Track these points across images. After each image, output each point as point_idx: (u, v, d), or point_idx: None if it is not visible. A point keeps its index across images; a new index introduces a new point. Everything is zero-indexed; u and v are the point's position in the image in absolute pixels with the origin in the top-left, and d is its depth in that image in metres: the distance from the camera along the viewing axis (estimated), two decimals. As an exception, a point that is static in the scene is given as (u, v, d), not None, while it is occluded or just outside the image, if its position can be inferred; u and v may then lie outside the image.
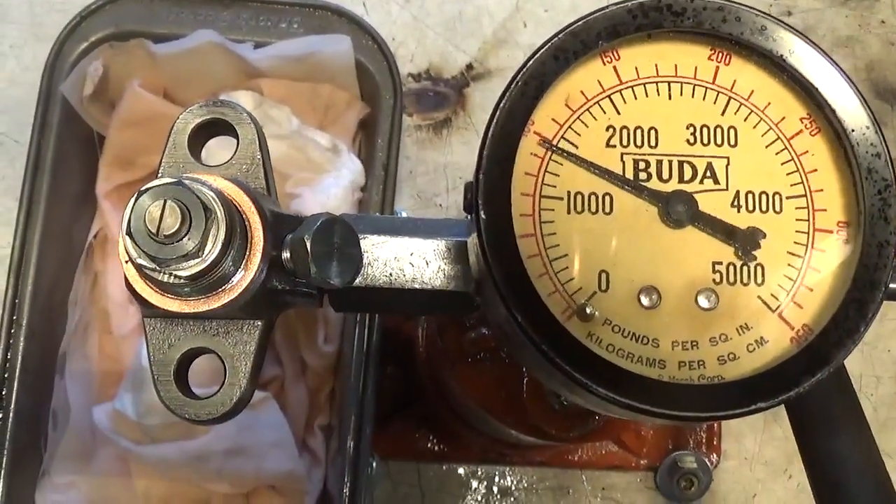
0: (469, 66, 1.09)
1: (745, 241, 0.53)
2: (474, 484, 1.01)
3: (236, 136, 0.60)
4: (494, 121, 0.50)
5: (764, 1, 1.12)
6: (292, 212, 0.93)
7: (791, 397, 0.49)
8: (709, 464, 1.00)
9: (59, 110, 0.93)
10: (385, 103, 0.94)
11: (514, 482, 1.01)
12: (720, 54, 0.54)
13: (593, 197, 0.52)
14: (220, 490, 0.91)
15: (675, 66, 0.54)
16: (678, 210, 0.52)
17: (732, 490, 1.03)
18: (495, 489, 1.01)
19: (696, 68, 0.54)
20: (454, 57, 1.09)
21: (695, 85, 0.54)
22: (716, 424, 1.01)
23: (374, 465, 0.96)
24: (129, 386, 0.91)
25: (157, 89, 0.97)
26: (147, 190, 0.49)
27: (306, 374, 0.96)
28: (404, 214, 1.00)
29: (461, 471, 1.01)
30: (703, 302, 0.52)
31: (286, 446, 0.91)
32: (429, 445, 0.99)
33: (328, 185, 0.93)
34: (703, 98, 0.54)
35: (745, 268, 0.52)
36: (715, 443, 1.01)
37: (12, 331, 0.90)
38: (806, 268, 0.53)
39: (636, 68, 0.54)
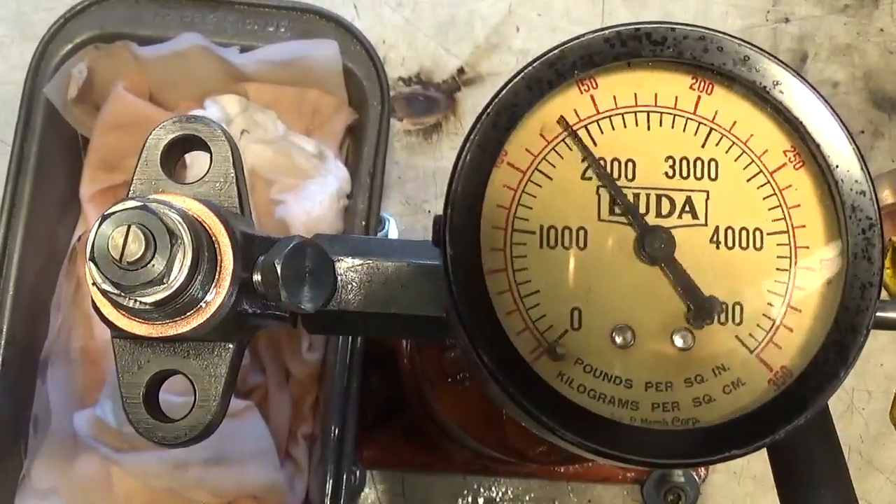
0: (461, 71, 1.07)
1: (700, 308, 0.50)
2: (459, 494, 1.00)
3: (210, 152, 0.59)
4: (464, 154, 0.49)
5: (762, 8, 1.10)
6: (276, 218, 0.92)
7: (766, 443, 0.47)
8: (696, 478, 0.99)
9: (43, 112, 0.92)
10: (373, 109, 0.93)
11: (500, 493, 1.00)
12: (702, 83, 0.52)
13: (567, 231, 0.51)
14: (200, 499, 0.90)
15: (656, 95, 0.52)
16: (654, 246, 0.50)
17: (720, 504, 1.02)
18: (480, 500, 1.00)
19: (676, 98, 0.52)
20: (445, 61, 1.07)
21: (675, 115, 0.52)
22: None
23: (358, 474, 0.95)
24: (110, 393, 0.90)
25: (143, 92, 0.96)
26: (110, 215, 0.48)
27: (290, 383, 0.95)
28: (392, 220, 0.98)
29: (446, 481, 1.00)
30: (678, 341, 0.50)
31: (268, 456, 0.90)
32: (413, 455, 0.98)
33: (313, 191, 0.91)
34: (684, 129, 0.52)
35: (722, 306, 0.51)
36: (703, 457, 1.00)
37: (-7, 335, 0.89)
38: (786, 307, 0.51)
39: (614, 97, 0.52)
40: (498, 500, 1.00)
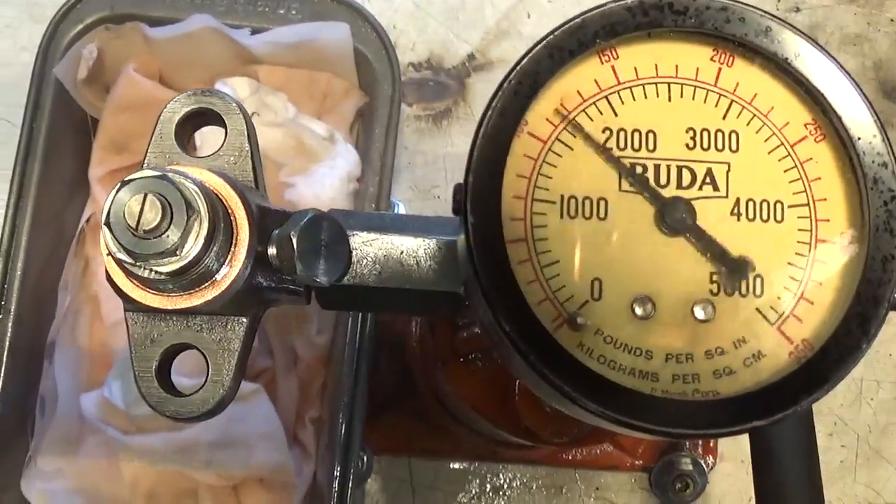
0: (471, 56, 1.07)
1: (733, 269, 0.50)
2: (466, 481, 1.00)
3: (225, 127, 0.59)
4: (486, 120, 0.48)
5: (772, -3, 1.10)
6: (286, 201, 0.92)
7: (789, 414, 0.47)
8: (705, 466, 0.99)
9: (53, 93, 0.92)
10: (383, 92, 0.92)
11: (508, 480, 1.00)
12: (723, 55, 0.52)
13: (587, 201, 0.50)
14: (207, 481, 0.90)
15: (676, 66, 0.52)
16: (676, 218, 0.50)
17: (728, 493, 1.01)
18: (488, 487, 1.00)
19: (697, 69, 0.52)
20: (456, 46, 1.07)
21: (696, 87, 0.52)
22: (713, 426, 0.99)
23: (366, 459, 0.95)
24: (118, 374, 0.90)
25: (153, 73, 0.96)
26: (128, 182, 0.48)
27: (298, 366, 0.95)
28: (401, 205, 0.98)
29: (453, 467, 1.00)
30: (699, 313, 0.50)
31: (276, 439, 0.90)
32: (420, 440, 0.98)
33: (323, 174, 0.91)
34: (704, 101, 0.52)
35: (733, 286, 0.50)
36: (711, 444, 1.00)
37: (0, 316, 0.89)
38: (807, 280, 0.51)
39: (635, 68, 0.52)
40: (505, 487, 1.00)
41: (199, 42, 0.93)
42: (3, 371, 0.88)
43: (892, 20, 1.11)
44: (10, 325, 0.89)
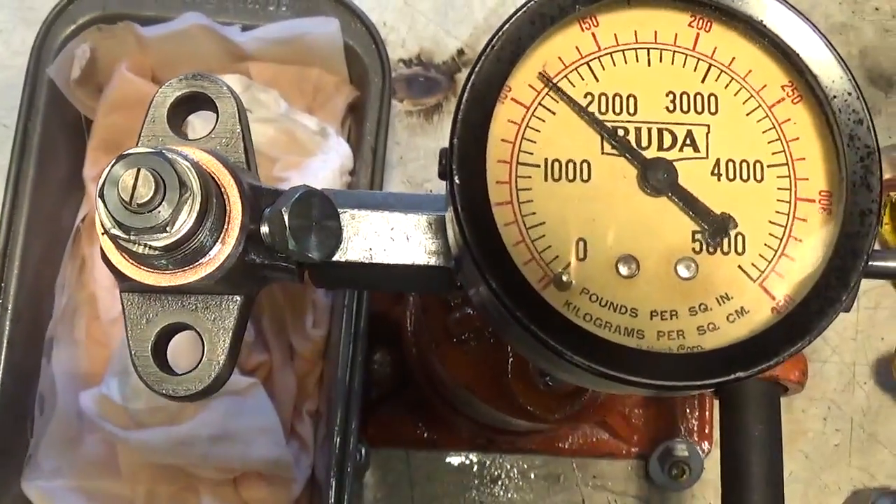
0: (460, 52, 1.08)
1: (716, 226, 0.52)
2: (464, 472, 1.00)
3: (216, 111, 0.60)
4: (469, 84, 0.50)
5: (757, -15, 1.11)
6: (275, 191, 0.93)
7: (771, 365, 0.48)
8: (700, 452, 0.99)
9: (46, 93, 0.93)
10: (374, 86, 0.94)
11: (505, 470, 1.00)
12: (701, 21, 0.54)
13: (571, 164, 0.51)
14: (206, 476, 0.90)
15: (655, 32, 0.53)
16: (658, 178, 0.51)
17: (724, 479, 1.01)
18: (486, 477, 1.00)
19: (676, 35, 0.53)
20: (445, 42, 1.08)
21: (675, 52, 0.53)
22: (707, 412, 1.00)
23: (363, 452, 0.95)
24: (116, 370, 0.90)
25: (145, 72, 0.97)
26: (123, 157, 0.49)
27: (294, 360, 0.95)
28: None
29: (451, 458, 1.00)
30: (682, 271, 0.51)
31: (273, 432, 0.90)
32: (418, 432, 0.98)
33: (316, 168, 0.92)
34: (683, 65, 0.53)
35: (716, 245, 0.51)
36: (707, 431, 1.00)
37: (-2, 314, 0.89)
38: (787, 237, 0.52)
39: (615, 35, 0.53)
40: (503, 477, 1.00)
41: (190, 40, 0.94)
42: (1, 369, 0.89)
43: (876, 9, 1.12)
44: (7, 323, 0.89)
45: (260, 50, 0.95)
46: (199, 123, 0.84)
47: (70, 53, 0.93)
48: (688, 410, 1.00)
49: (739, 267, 0.51)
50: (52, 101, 0.93)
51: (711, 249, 0.51)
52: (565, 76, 0.52)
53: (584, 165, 0.52)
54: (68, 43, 0.93)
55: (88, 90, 0.96)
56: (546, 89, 0.52)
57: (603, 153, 0.52)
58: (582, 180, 0.51)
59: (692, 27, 0.54)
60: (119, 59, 0.95)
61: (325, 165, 0.93)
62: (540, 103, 0.52)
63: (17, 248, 0.90)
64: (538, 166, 0.51)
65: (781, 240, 0.52)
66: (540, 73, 0.52)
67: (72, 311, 0.96)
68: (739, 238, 0.52)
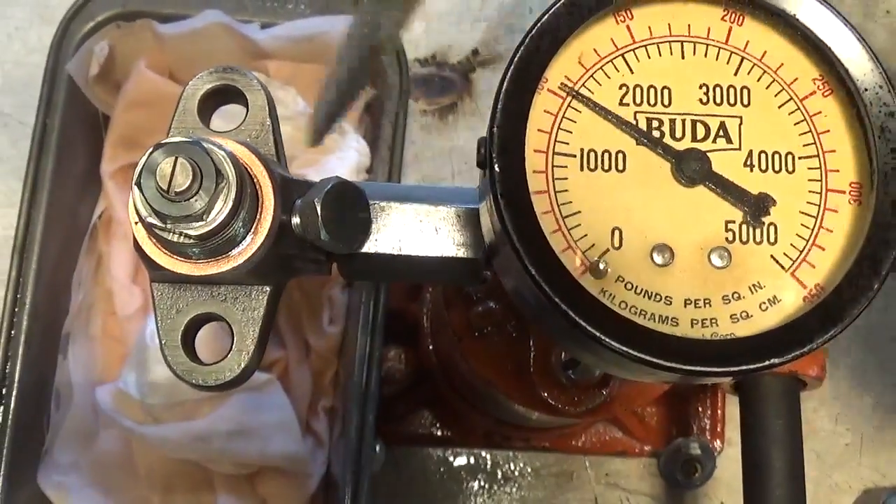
0: (475, 52, 1.09)
1: (755, 206, 0.52)
2: (478, 469, 1.01)
3: (246, 103, 0.60)
4: (509, 74, 0.50)
5: (769, -12, 1.12)
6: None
7: (805, 352, 0.49)
8: (713, 450, 1.00)
9: (65, 90, 0.93)
10: (391, 84, 0.94)
11: (518, 467, 1.01)
12: (733, 14, 0.55)
13: (606, 154, 0.52)
14: (222, 471, 0.91)
15: (689, 25, 0.54)
16: (692, 167, 0.52)
17: (736, 477, 1.01)
18: (499, 474, 1.01)
19: (709, 28, 0.54)
20: (460, 42, 1.09)
21: (708, 45, 0.54)
22: (720, 411, 1.00)
23: (378, 449, 0.96)
24: (133, 365, 0.91)
25: (163, 70, 0.97)
26: (161, 145, 0.49)
27: (310, 356, 0.96)
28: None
29: (465, 456, 1.01)
30: (715, 260, 0.52)
31: (290, 428, 0.91)
32: (433, 430, 0.99)
33: (333, 165, 0.93)
34: (716, 58, 0.54)
35: (757, 227, 0.52)
36: (719, 429, 1.01)
37: (16, 310, 0.90)
38: (818, 227, 0.52)
39: (649, 27, 0.54)
40: (517, 474, 1.01)
41: (208, 38, 0.94)
42: (19, 364, 0.89)
43: (888, 11, 1.13)
44: (25, 318, 0.90)
45: (278, 48, 0.96)
46: (215, 120, 0.85)
47: (89, 50, 0.94)
48: (700, 409, 1.00)
49: (772, 256, 0.52)
50: (70, 97, 0.93)
51: (754, 227, 0.52)
52: (601, 68, 0.53)
53: (620, 156, 0.52)
54: (87, 40, 0.94)
55: (107, 87, 0.96)
56: (581, 80, 0.53)
57: (638, 144, 0.53)
58: (617, 170, 0.52)
59: (725, 21, 0.54)
60: (137, 57, 0.95)
61: (343, 163, 0.93)
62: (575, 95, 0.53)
63: (35, 245, 0.91)
64: (574, 156, 0.52)
65: (812, 230, 0.53)
66: (561, 84, 0.52)
67: (88, 307, 0.96)
68: (772, 228, 0.52)
